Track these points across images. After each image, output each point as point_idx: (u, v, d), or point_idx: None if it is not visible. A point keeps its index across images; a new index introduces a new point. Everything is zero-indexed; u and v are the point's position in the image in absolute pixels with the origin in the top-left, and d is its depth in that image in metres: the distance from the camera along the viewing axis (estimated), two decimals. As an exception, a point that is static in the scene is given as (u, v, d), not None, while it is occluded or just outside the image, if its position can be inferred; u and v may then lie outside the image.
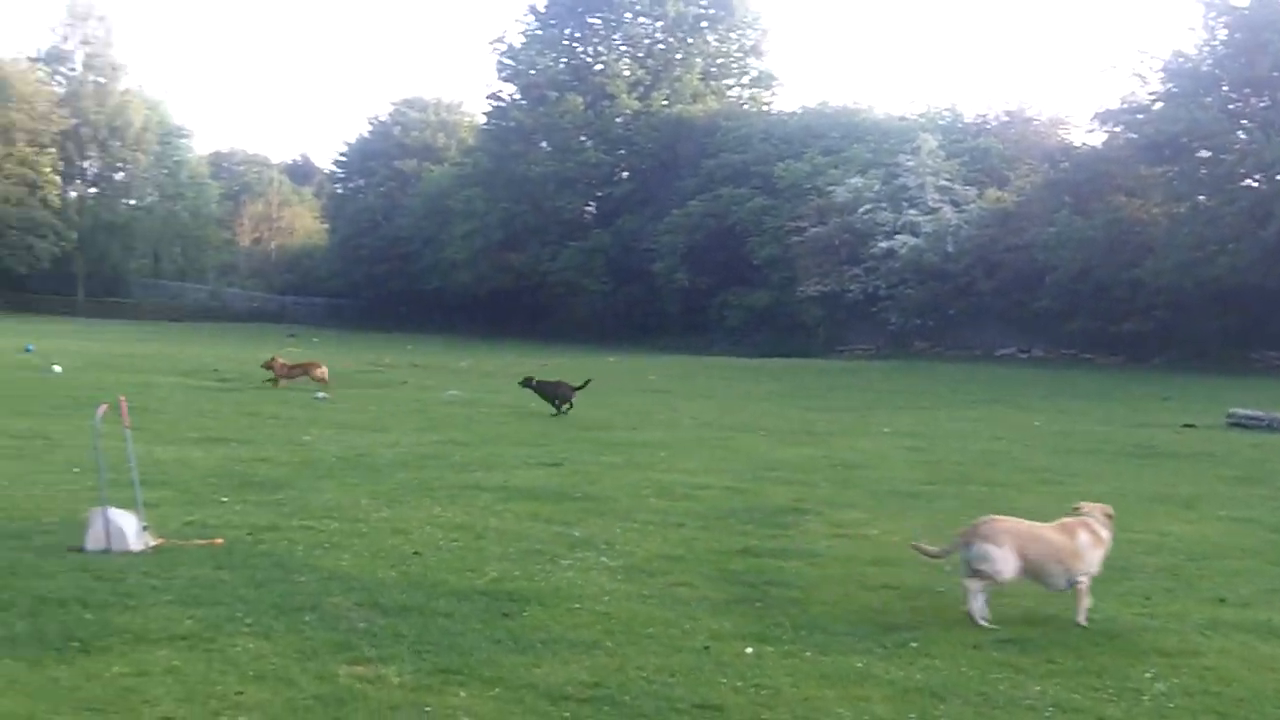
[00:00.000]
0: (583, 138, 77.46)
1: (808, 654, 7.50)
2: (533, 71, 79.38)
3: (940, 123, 64.77)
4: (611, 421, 23.14)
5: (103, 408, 10.64)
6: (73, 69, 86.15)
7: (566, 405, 24.35)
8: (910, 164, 56.78)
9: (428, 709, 6.35)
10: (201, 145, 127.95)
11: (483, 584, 9.05)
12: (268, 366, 29.12)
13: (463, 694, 6.59)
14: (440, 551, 10.17)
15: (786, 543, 11.03)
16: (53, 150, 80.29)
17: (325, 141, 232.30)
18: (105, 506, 9.82)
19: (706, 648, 7.56)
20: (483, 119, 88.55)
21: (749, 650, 7.53)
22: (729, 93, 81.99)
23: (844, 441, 20.39)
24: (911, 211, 55.48)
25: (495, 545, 10.50)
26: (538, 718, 6.31)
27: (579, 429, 21.52)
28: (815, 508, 13.03)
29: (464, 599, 8.53)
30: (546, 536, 10.98)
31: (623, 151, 78.46)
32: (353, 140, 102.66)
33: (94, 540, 9.67)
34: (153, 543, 9.88)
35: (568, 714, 6.37)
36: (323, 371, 28.78)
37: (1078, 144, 58.55)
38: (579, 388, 24.85)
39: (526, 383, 25.35)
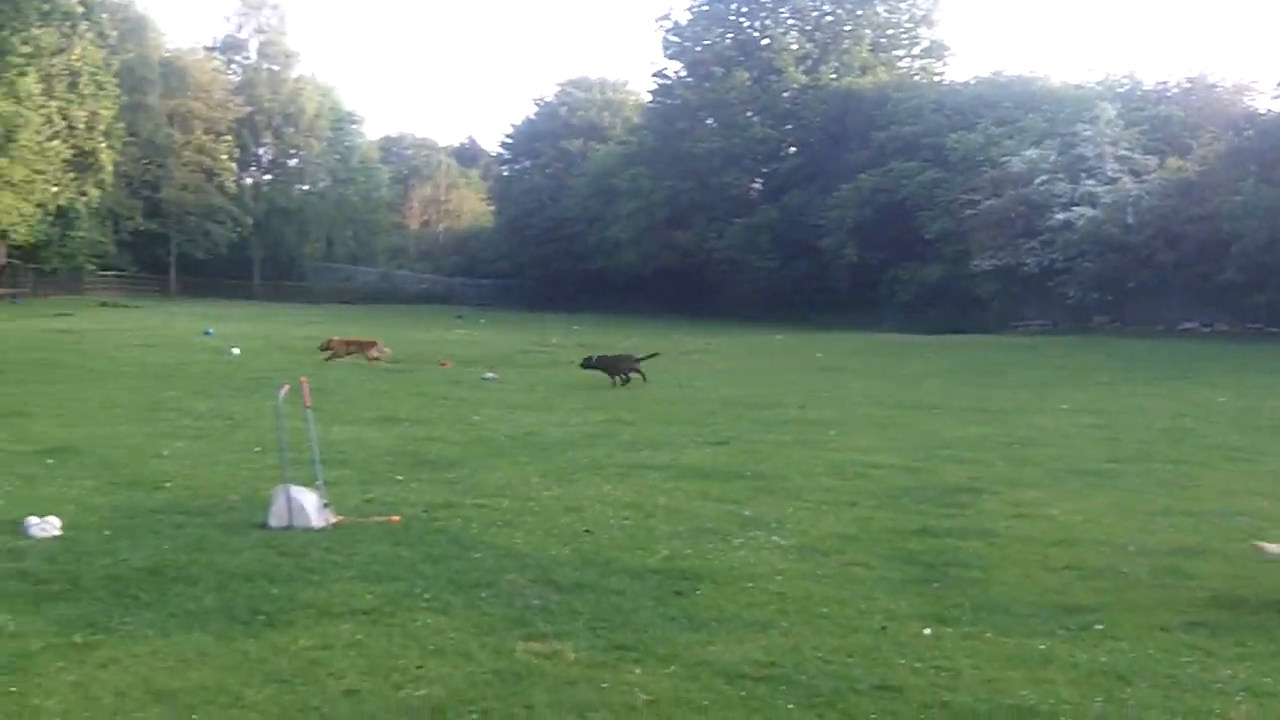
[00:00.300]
0: (749, 113, 76.72)
1: (988, 635, 7.33)
2: (699, 48, 79.05)
3: (1119, 91, 62.51)
4: (779, 399, 22.98)
5: (285, 388, 10.94)
6: (247, 58, 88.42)
7: (620, 378, 25.07)
8: (1088, 133, 55.03)
9: (604, 685, 6.37)
10: (372, 130, 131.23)
11: (655, 562, 9.06)
12: (326, 347, 30.10)
13: (638, 671, 6.60)
14: (611, 529, 10.22)
15: (964, 522, 10.81)
16: (229, 138, 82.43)
17: (492, 124, 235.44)
18: (287, 484, 10.10)
19: (884, 628, 7.45)
20: (648, 97, 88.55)
21: (927, 631, 7.40)
22: (899, 64, 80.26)
23: (1020, 419, 19.90)
24: (1089, 182, 53.79)
25: (665, 524, 10.52)
26: (714, 696, 6.28)
27: (745, 407, 21.42)
28: (992, 487, 12.75)
29: (636, 577, 8.56)
30: (717, 515, 10.96)
31: (790, 126, 77.57)
32: (519, 122, 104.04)
33: (277, 517, 9.96)
34: (333, 520, 10.13)
35: (744, 693, 6.32)
36: (377, 351, 30.04)
37: (1263, 110, 56.04)
38: (644, 358, 25.75)
39: (586, 363, 25.61)
